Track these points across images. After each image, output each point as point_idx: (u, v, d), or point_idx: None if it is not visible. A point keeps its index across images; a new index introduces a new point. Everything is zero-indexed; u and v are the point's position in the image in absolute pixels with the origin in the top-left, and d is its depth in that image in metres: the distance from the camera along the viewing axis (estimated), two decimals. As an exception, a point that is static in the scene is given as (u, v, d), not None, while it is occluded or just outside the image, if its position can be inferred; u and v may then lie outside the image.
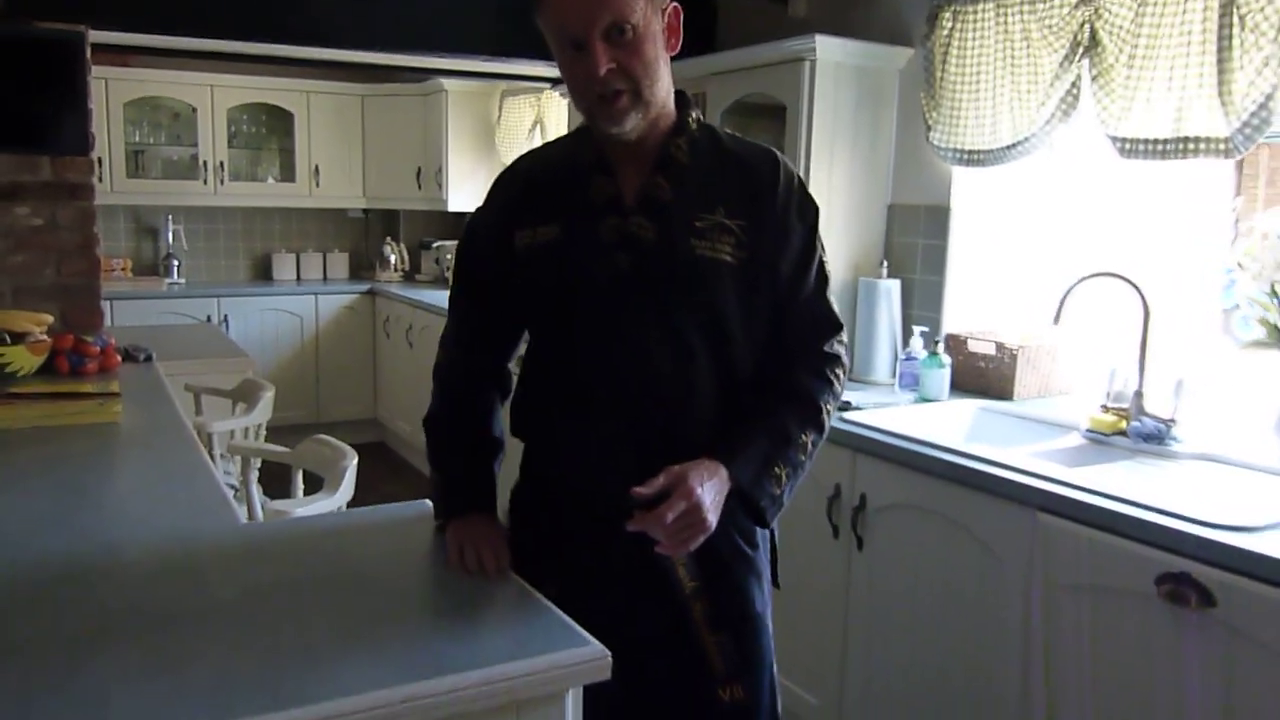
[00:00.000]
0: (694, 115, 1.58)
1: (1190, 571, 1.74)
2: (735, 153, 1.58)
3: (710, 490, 1.43)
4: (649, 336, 1.51)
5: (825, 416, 1.59)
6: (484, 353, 1.69)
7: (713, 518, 1.43)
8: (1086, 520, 1.92)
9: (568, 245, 1.53)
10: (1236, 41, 2.19)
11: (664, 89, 1.51)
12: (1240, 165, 2.65)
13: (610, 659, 1.22)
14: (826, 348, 1.60)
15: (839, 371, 1.61)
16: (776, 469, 1.53)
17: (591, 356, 1.54)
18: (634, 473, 1.41)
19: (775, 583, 1.69)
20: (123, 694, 1.07)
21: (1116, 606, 1.87)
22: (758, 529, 1.61)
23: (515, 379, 1.70)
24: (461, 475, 1.64)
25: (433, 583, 1.42)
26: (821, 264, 1.61)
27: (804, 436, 1.55)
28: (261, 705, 1.05)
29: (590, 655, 1.22)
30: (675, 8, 1.50)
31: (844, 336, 1.64)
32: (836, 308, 1.63)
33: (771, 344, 1.58)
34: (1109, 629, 1.89)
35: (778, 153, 1.60)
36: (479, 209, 1.67)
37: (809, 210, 1.58)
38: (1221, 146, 2.26)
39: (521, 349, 1.70)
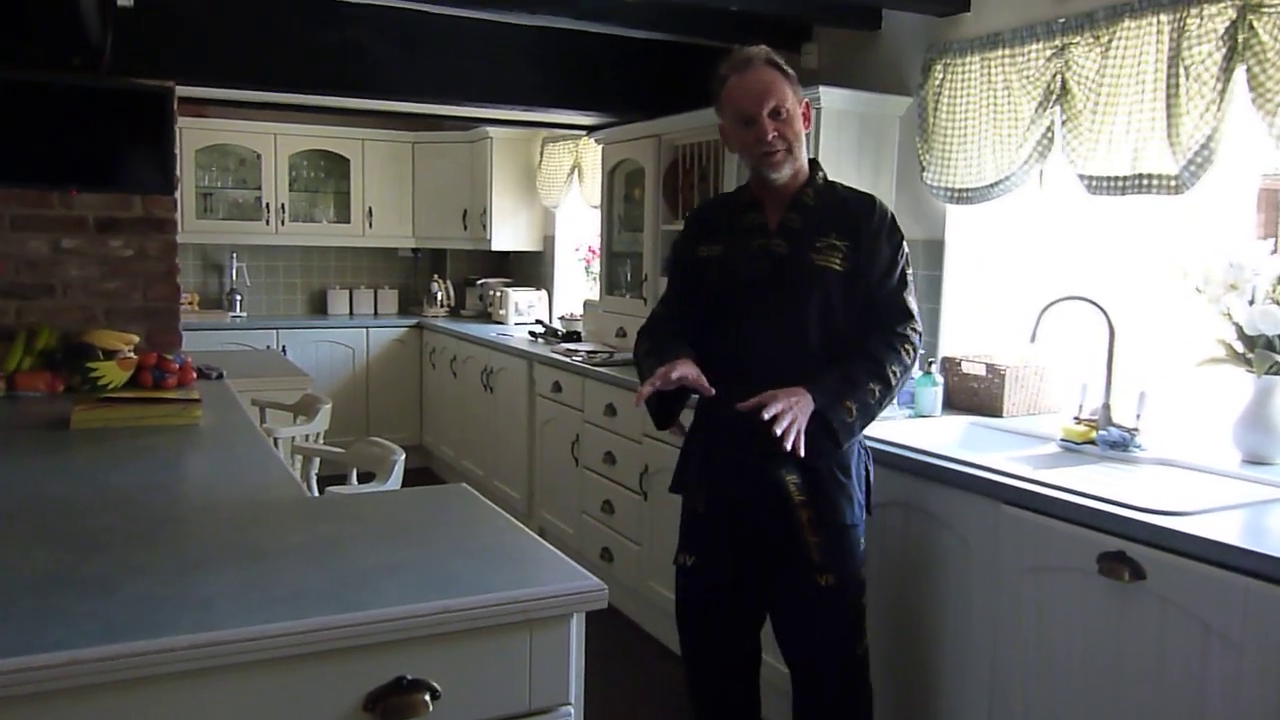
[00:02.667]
0: (821, 174, 2.34)
1: (1125, 550, 1.98)
2: (845, 198, 2.33)
3: (794, 397, 2.11)
4: (779, 318, 2.25)
5: (890, 374, 2.22)
6: (679, 314, 2.41)
7: (800, 416, 2.10)
8: (1040, 509, 2.17)
9: (727, 257, 2.31)
10: (1183, 90, 2.47)
11: (804, 152, 2.29)
12: (1277, 207, 2.88)
13: (605, 591, 1.50)
14: (899, 329, 2.27)
15: (907, 347, 2.26)
16: (847, 402, 2.17)
17: (741, 331, 2.28)
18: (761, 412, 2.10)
19: (868, 509, 2.34)
20: (224, 601, 1.37)
21: (1064, 584, 2.12)
22: (851, 463, 2.27)
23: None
24: (667, 345, 2.30)
25: (466, 535, 1.71)
26: (904, 273, 2.30)
27: (870, 384, 2.20)
28: (330, 610, 1.34)
29: (590, 587, 1.49)
30: (807, 102, 2.31)
31: (917, 325, 2.30)
32: (914, 305, 2.31)
33: (861, 326, 2.26)
34: (1058, 604, 2.14)
35: (876, 197, 2.34)
36: (680, 234, 2.51)
37: (895, 236, 2.31)
38: (1172, 183, 2.53)
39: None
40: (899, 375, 2.24)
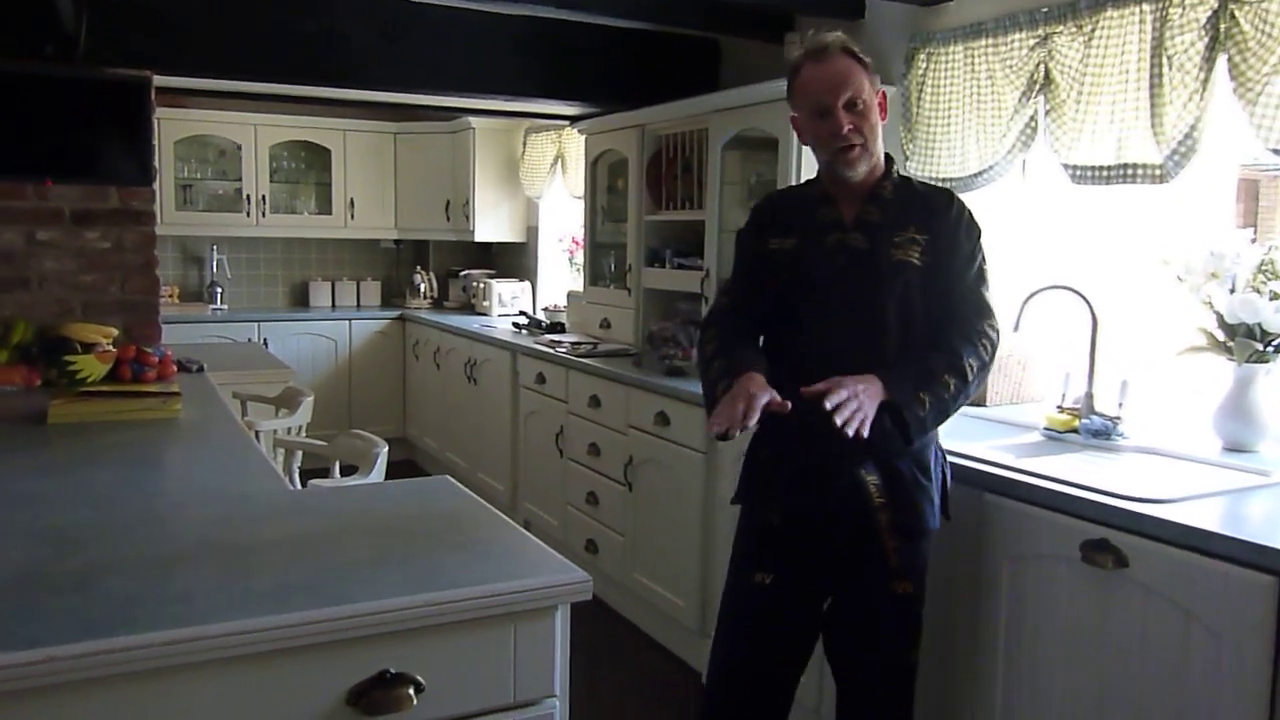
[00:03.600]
0: (897, 168, 2.23)
1: (1108, 538, 1.99)
2: (923, 193, 2.23)
3: (862, 384, 1.97)
4: (856, 314, 2.13)
5: (967, 369, 2.09)
6: (746, 306, 2.27)
7: (867, 402, 1.96)
8: (1023, 498, 2.18)
9: (801, 251, 2.19)
10: (1166, 79, 2.47)
11: (880, 146, 2.17)
12: (1256, 197, 2.89)
13: (590, 583, 1.50)
14: (978, 324, 2.15)
15: (984, 343, 2.13)
16: (922, 395, 2.04)
17: (815, 329, 2.16)
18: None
19: (946, 513, 2.22)
20: (203, 596, 1.36)
21: (1048, 572, 2.13)
22: (931, 465, 2.16)
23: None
24: (736, 351, 2.17)
25: (449, 527, 1.70)
26: (982, 268, 2.20)
27: (947, 378, 2.06)
28: (311, 604, 1.33)
29: (575, 579, 1.48)
30: (884, 92, 2.18)
31: (995, 322, 2.18)
32: (993, 302, 2.20)
33: (939, 322, 2.14)
34: (1042, 592, 2.15)
35: (954, 193, 2.26)
36: (747, 224, 2.36)
37: (974, 231, 2.20)
38: (1156, 172, 2.53)
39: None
40: (975, 371, 2.09)
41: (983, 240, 2.21)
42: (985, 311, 2.17)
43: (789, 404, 1.98)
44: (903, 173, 2.25)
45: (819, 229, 2.19)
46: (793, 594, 2.20)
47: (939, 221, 2.17)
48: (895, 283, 2.12)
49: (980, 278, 2.19)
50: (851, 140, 2.10)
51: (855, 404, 1.94)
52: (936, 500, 2.17)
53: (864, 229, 2.16)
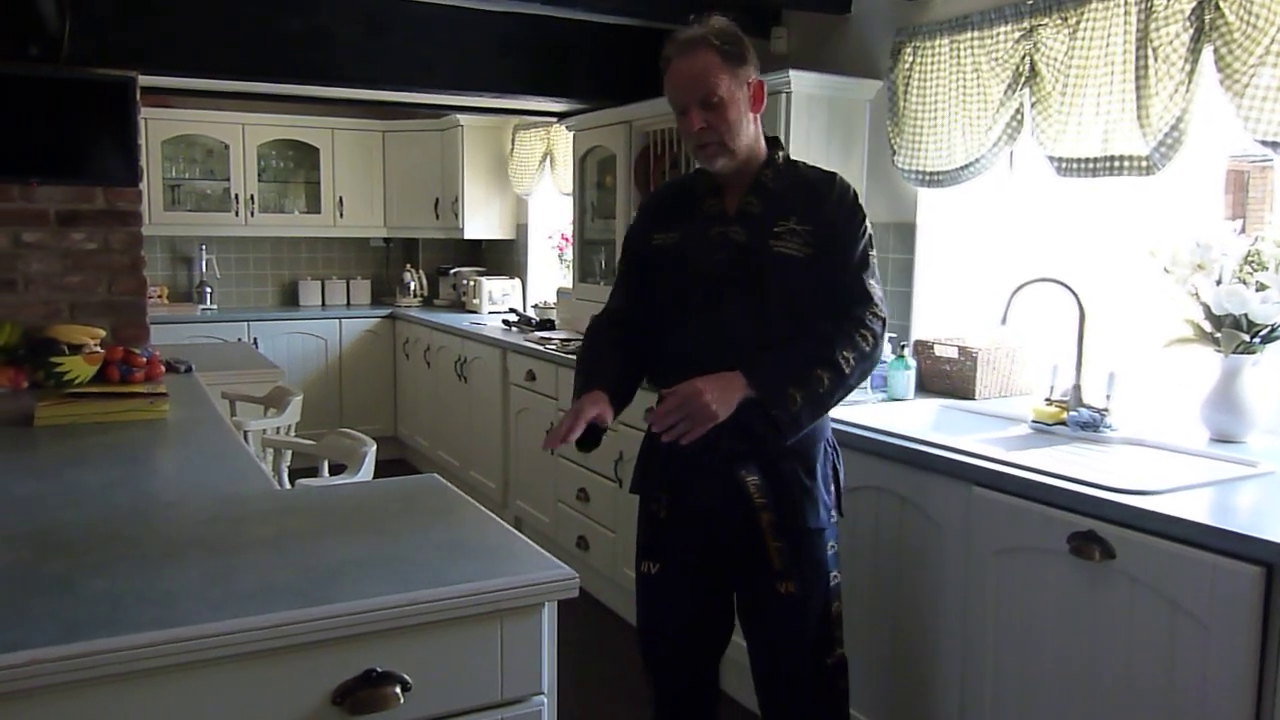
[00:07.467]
0: (781, 153, 2.18)
1: (1095, 529, 1.99)
2: (807, 177, 2.16)
3: (714, 387, 1.95)
4: (739, 309, 2.08)
5: (840, 361, 2.01)
6: (630, 308, 2.25)
7: (717, 408, 1.93)
8: (1011, 490, 2.18)
9: (684, 244, 2.15)
10: (1151, 71, 2.47)
11: (747, 138, 2.10)
12: (1245, 188, 2.90)
13: (577, 579, 1.49)
14: (855, 313, 2.07)
15: (864, 333, 2.05)
16: (792, 391, 1.98)
17: (698, 323, 2.11)
18: None
19: (840, 511, 2.21)
20: (187, 597, 1.35)
21: (1035, 564, 2.13)
22: (817, 464, 2.13)
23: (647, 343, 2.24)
24: (589, 367, 2.17)
25: (436, 526, 1.69)
26: (865, 254, 2.12)
27: (820, 373, 2.00)
28: (296, 604, 1.32)
29: (561, 576, 1.48)
30: (759, 81, 2.12)
31: (878, 310, 2.09)
32: (875, 289, 2.11)
33: (822, 311, 2.08)
34: (1030, 585, 2.15)
35: (838, 175, 2.16)
36: (635, 217, 2.34)
37: (856, 214, 2.13)
38: (1143, 164, 2.53)
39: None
40: (853, 363, 2.02)
41: (867, 224, 2.14)
42: (865, 299, 2.09)
43: (608, 420, 2.04)
44: (789, 156, 2.20)
45: (703, 221, 2.15)
46: (682, 584, 2.22)
47: (821, 209, 2.10)
48: (776, 277, 2.07)
49: (863, 264, 2.11)
50: (702, 139, 2.06)
51: (694, 407, 1.92)
52: (824, 499, 2.14)
53: (744, 221, 2.11)
